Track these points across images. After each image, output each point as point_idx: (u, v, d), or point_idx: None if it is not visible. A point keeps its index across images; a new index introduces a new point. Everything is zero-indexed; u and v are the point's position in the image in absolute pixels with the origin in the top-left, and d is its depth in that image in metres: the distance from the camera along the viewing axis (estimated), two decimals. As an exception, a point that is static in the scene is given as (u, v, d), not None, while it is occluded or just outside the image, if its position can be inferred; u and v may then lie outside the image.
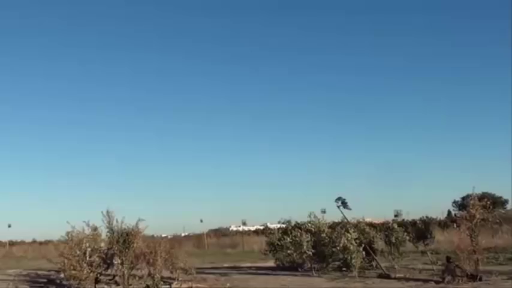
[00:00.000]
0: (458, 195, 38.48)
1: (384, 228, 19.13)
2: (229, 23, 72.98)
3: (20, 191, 64.29)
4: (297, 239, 18.47)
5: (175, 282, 15.77)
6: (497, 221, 19.30)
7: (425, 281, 15.27)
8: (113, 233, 15.32)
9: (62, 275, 15.92)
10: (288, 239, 18.88)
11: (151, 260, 15.28)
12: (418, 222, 19.78)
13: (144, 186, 68.66)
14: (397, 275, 16.36)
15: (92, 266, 15.09)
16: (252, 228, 45.55)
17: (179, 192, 68.53)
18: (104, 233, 15.70)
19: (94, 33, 71.33)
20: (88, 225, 15.45)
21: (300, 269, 19.13)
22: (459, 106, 67.09)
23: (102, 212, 15.43)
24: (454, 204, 41.80)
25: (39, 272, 19.50)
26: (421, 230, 19.01)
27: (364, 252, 17.36)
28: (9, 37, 67.76)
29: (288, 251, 19.08)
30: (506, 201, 41.44)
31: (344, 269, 17.98)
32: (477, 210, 15.43)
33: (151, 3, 71.15)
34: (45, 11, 69.63)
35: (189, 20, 71.64)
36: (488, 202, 15.85)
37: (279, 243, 19.86)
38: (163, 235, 31.95)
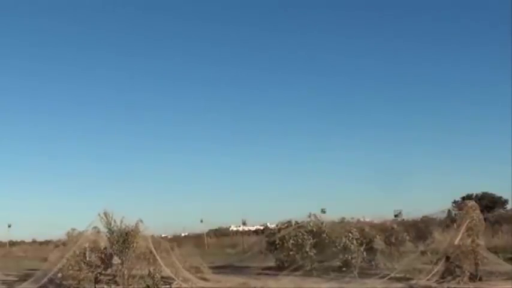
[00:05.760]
0: (458, 195, 38.49)
1: (384, 228, 19.13)
2: (226, 24, 72.95)
3: (20, 191, 64.19)
4: (299, 239, 18.49)
5: (175, 282, 15.79)
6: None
7: (426, 281, 15.26)
8: (112, 233, 15.34)
9: (61, 275, 15.93)
10: (291, 240, 18.88)
11: (151, 260, 15.33)
12: (418, 222, 19.78)
13: (144, 186, 68.55)
14: (397, 275, 16.35)
15: (91, 266, 15.13)
16: (252, 228, 45.49)
17: (179, 192, 68.37)
18: (103, 233, 15.76)
19: (94, 35, 71.25)
20: (88, 225, 15.54)
21: (300, 269, 19.11)
22: (459, 106, 66.84)
23: (99, 214, 15.46)
24: (454, 204, 41.79)
25: (39, 272, 19.49)
26: (421, 230, 18.99)
27: (364, 252, 17.38)
28: (8, 38, 67.64)
29: (290, 252, 19.09)
30: (506, 201, 41.41)
31: (344, 269, 17.98)
32: (474, 211, 15.52)
33: (148, 5, 71.14)
34: (43, 12, 69.62)
35: (187, 23, 71.63)
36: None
37: (280, 242, 19.84)
38: (163, 235, 31.89)
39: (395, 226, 18.83)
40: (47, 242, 39.20)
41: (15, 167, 66.85)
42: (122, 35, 68.73)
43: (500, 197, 40.47)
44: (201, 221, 39.42)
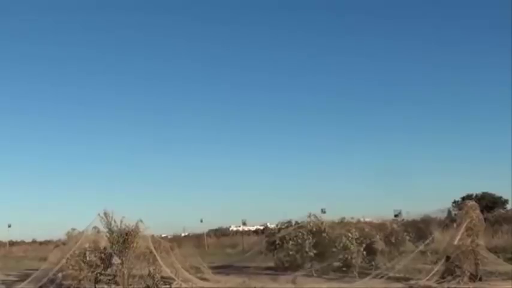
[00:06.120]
0: (458, 195, 38.52)
1: (384, 228, 19.12)
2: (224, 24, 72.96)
3: (19, 191, 64.20)
4: (299, 240, 18.48)
5: (175, 282, 15.79)
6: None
7: (425, 281, 15.26)
8: (112, 233, 15.35)
9: (61, 275, 15.94)
10: (291, 241, 18.87)
11: (151, 260, 15.33)
12: (418, 222, 19.76)
13: (144, 186, 68.54)
14: (397, 275, 16.35)
15: (91, 266, 15.14)
16: (252, 228, 45.49)
17: (179, 192, 68.37)
18: (103, 233, 15.77)
19: (95, 35, 71.28)
20: (88, 225, 15.55)
21: (300, 269, 19.11)
22: (459, 106, 66.89)
23: (99, 214, 15.47)
24: (454, 204, 41.78)
25: (38, 272, 19.49)
26: (421, 230, 18.98)
27: (364, 252, 17.37)
28: (8, 40, 67.66)
29: (290, 252, 19.09)
30: (506, 201, 41.42)
31: (344, 269, 17.97)
32: (474, 211, 15.52)
33: (147, 7, 71.20)
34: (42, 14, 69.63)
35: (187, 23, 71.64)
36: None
37: (280, 242, 19.84)
38: (163, 235, 31.89)
39: (395, 226, 18.79)
40: (47, 242, 39.33)
41: (15, 167, 67.00)
42: (122, 35, 68.85)
43: (500, 197, 40.51)
44: (201, 221, 39.45)
